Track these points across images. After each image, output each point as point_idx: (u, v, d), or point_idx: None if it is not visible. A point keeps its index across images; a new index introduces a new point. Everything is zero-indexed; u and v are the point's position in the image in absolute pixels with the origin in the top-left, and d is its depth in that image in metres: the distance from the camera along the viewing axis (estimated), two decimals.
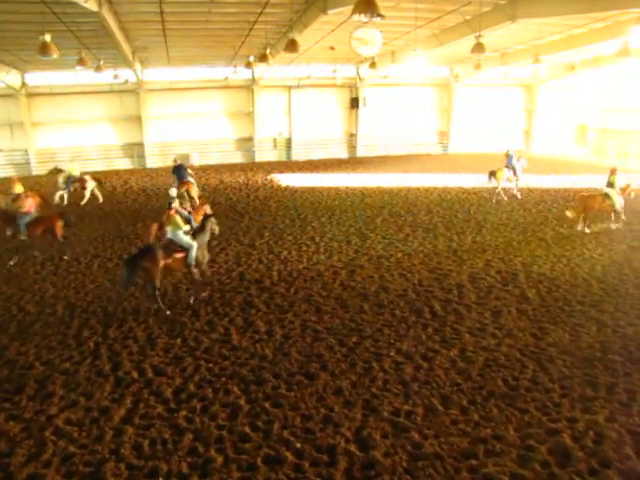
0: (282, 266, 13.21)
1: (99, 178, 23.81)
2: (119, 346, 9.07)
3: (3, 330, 9.99)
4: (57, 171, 23.88)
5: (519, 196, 21.74)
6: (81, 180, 22.74)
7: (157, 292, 10.50)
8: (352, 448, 6.19)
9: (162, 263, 10.36)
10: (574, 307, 10.31)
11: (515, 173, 21.69)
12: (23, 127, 35.06)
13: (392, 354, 8.44)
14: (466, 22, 21.43)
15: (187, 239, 10.96)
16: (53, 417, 7.03)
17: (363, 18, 12.49)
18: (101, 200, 22.94)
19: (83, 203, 22.34)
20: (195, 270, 11.20)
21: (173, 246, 10.76)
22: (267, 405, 7.09)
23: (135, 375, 8.03)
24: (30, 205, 14.78)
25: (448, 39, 23.85)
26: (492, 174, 21.01)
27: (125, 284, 10.62)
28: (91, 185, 22.84)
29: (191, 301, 11.01)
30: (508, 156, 22.02)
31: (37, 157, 35.65)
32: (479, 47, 18.63)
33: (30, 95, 34.86)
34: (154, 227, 13.08)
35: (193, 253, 10.94)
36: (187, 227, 11.15)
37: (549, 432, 6.43)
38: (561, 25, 23.76)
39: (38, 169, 35.31)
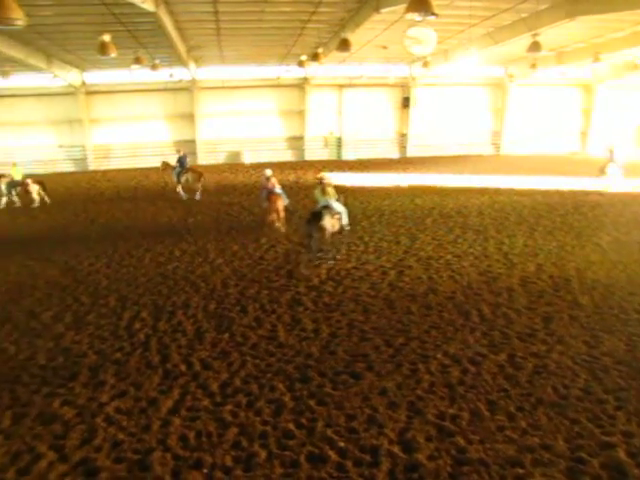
0: (331, 265, 13.22)
1: (41, 180, 23.91)
2: (168, 339, 9.28)
3: (59, 319, 10.39)
4: (166, 165, 24.89)
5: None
6: (23, 184, 23.06)
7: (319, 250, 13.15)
8: (395, 450, 6.14)
9: (331, 223, 12.86)
10: (630, 315, 9.92)
11: (617, 168, 21.86)
12: (81, 124, 36.37)
13: (439, 356, 8.33)
14: (522, 20, 20.97)
15: (340, 206, 13.53)
16: (104, 405, 7.26)
17: (417, 17, 12.38)
18: (48, 201, 23.21)
19: (34, 206, 22.76)
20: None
21: (332, 211, 13.14)
22: (312, 403, 7.11)
23: (183, 368, 8.20)
24: None
25: (503, 38, 23.39)
26: (601, 170, 21.39)
27: (314, 251, 13.19)
28: (35, 188, 23.04)
29: (333, 258, 13.41)
30: (612, 152, 21.91)
31: (94, 153, 36.85)
32: (535, 46, 18.22)
33: (89, 93, 36.11)
34: (279, 202, 16.59)
35: (345, 217, 13.56)
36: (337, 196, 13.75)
37: (602, 445, 6.17)
38: (623, 22, 22.95)
39: (95, 164, 36.54)
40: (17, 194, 23.06)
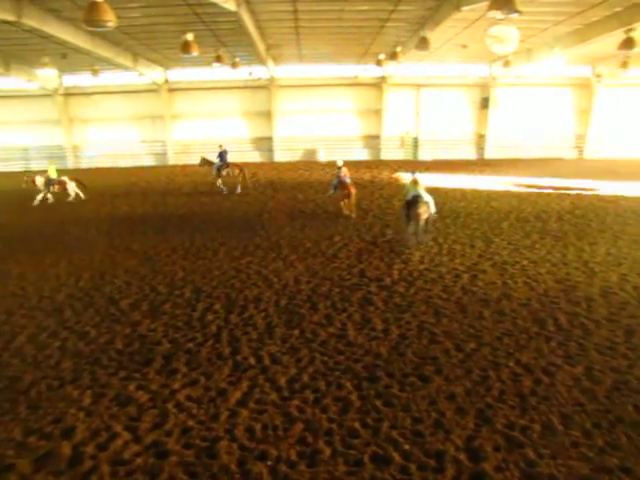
0: (403, 265, 13.11)
1: (77, 178, 24.67)
2: (239, 332, 9.48)
3: (137, 307, 10.85)
4: (205, 162, 26.37)
5: None
6: (60, 182, 23.94)
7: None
8: (461, 457, 6.01)
9: (424, 209, 14.44)
10: None
11: None
12: (163, 120, 37.81)
13: (511, 364, 8.08)
14: (615, 15, 19.92)
15: (428, 195, 14.71)
16: (175, 392, 7.51)
17: (499, 15, 12.07)
18: (83, 197, 24.07)
19: (69, 200, 23.76)
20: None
21: (423, 199, 14.56)
22: (378, 403, 7.07)
23: (252, 361, 8.35)
24: None
25: (592, 35, 22.28)
26: None
27: (411, 234, 14.98)
28: (71, 185, 23.93)
29: (421, 238, 14.91)
30: None
31: (174, 148, 38.18)
32: (629, 42, 17.24)
33: (171, 90, 37.50)
34: (352, 190, 18.57)
35: (432, 205, 14.79)
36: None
37: None
38: None
39: (174, 159, 37.85)
40: (53, 191, 24.02)
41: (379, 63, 28.46)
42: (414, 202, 14.61)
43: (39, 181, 23.47)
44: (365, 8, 20.39)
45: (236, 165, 25.33)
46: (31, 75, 33.14)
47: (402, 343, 8.83)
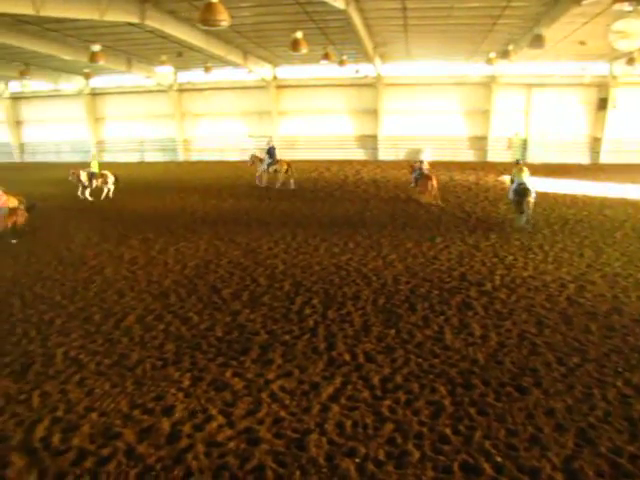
0: (505, 271, 12.66)
1: (116, 174, 24.48)
2: (336, 328, 9.56)
3: (237, 297, 11.23)
4: (255, 158, 27.32)
5: None
6: (102, 175, 23.86)
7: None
8: (558, 477, 5.70)
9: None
10: None
11: None
12: (270, 116, 38.80)
13: (618, 384, 7.55)
14: None
15: (531, 182, 16.60)
16: (270, 382, 7.71)
17: (626, 7, 11.31)
18: (111, 196, 23.97)
19: (102, 197, 23.72)
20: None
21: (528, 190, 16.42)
22: (472, 411, 6.88)
23: (347, 358, 8.40)
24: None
25: None
26: None
27: (522, 219, 16.86)
28: (111, 179, 23.93)
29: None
30: None
31: (280, 144, 39.03)
32: None
33: (279, 87, 38.40)
34: (434, 181, 20.77)
35: (533, 193, 16.61)
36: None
37: None
38: None
39: (280, 154, 38.68)
40: (97, 185, 23.96)
41: (489, 62, 27.55)
42: (524, 193, 16.39)
43: (83, 175, 23.53)
44: (476, 5, 19.82)
45: (284, 162, 26.05)
46: (149, 72, 35.17)
47: (501, 351, 8.54)
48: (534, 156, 36.14)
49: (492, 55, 26.58)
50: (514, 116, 36.50)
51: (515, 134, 36.82)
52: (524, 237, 15.73)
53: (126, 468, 5.94)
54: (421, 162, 22.20)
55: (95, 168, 24.03)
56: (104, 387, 7.66)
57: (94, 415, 6.95)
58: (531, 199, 16.56)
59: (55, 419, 6.90)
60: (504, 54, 23.05)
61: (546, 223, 17.57)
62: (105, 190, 23.92)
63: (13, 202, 17.20)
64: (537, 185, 16.79)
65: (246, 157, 32.11)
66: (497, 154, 36.82)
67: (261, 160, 26.73)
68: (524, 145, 36.88)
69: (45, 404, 7.27)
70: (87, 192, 23.65)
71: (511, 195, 17.25)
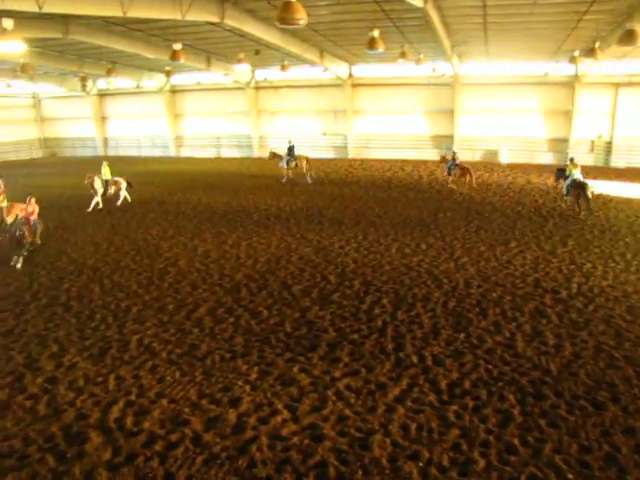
0: (583, 279, 12.12)
1: (129, 181, 23.20)
2: (404, 329, 9.47)
3: (307, 294, 11.32)
4: (274, 155, 28.82)
5: None
6: (115, 182, 22.47)
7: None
8: None
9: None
10: None
11: None
12: (345, 114, 38.88)
13: None
14: None
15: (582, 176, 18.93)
16: (336, 380, 7.73)
17: None
18: (129, 200, 22.65)
19: (118, 204, 22.19)
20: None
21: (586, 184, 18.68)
22: (542, 422, 6.64)
23: (415, 360, 8.30)
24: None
25: None
26: None
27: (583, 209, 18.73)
28: (124, 185, 22.62)
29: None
30: None
31: (354, 142, 39.08)
32: None
33: (354, 85, 38.36)
34: (471, 173, 24.34)
35: (589, 188, 18.56)
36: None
37: None
38: None
39: (353, 153, 38.72)
40: (110, 193, 22.28)
41: (573, 60, 26.41)
42: (583, 186, 18.67)
43: (97, 182, 21.50)
44: (561, 1, 19.06)
45: (303, 157, 27.80)
46: (228, 70, 36.00)
47: (575, 362, 8.20)
48: (619, 160, 34.37)
49: (576, 53, 25.46)
50: (598, 117, 34.82)
51: (598, 136, 35.13)
52: (605, 244, 15.02)
53: (193, 454, 6.12)
54: (454, 153, 25.59)
55: (107, 175, 22.35)
56: (174, 375, 7.92)
57: (164, 401, 7.21)
58: (591, 189, 18.94)
59: (129, 402, 7.21)
60: (589, 52, 21.98)
61: (629, 230, 16.69)
62: (121, 196, 22.54)
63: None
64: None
65: (320, 154, 32.47)
66: (578, 157, 35.18)
67: (280, 157, 28.35)
68: (607, 148, 35.13)
69: (120, 387, 7.61)
70: (94, 200, 21.44)
71: (566, 190, 19.72)
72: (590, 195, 18.56)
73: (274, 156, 29.09)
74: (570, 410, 6.90)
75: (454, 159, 24.96)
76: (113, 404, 7.17)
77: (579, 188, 18.84)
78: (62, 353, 8.71)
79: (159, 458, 6.07)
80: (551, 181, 24.56)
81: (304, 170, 27.56)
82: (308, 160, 27.88)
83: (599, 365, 8.11)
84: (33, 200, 14.83)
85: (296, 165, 27.51)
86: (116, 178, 22.61)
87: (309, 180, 27.10)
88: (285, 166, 27.49)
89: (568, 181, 19.52)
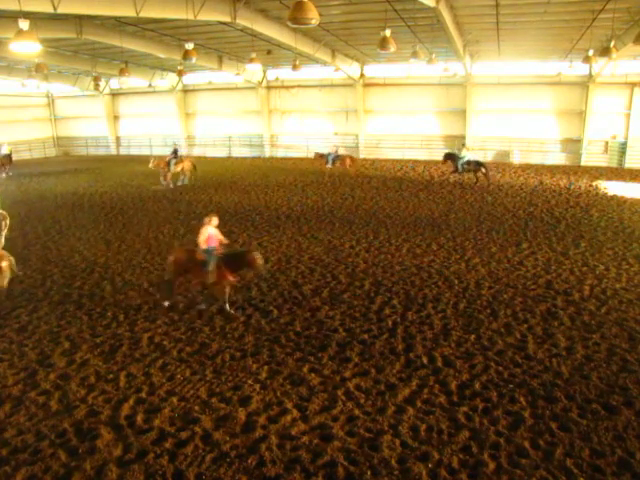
0: (596, 281, 12.02)
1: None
2: (415, 330, 9.45)
3: (317, 293, 11.33)
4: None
5: None
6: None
7: None
8: None
9: None
10: None
11: None
12: (357, 114, 38.85)
13: None
14: None
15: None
16: (346, 380, 7.74)
17: None
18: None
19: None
20: None
21: None
22: (553, 426, 6.60)
23: (425, 361, 8.29)
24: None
25: None
26: None
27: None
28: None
29: None
30: None
31: (365, 142, 39.05)
32: None
33: (366, 85, 38.33)
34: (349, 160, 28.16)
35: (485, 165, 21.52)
36: None
37: None
38: None
39: (365, 153, 38.68)
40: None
41: (587, 60, 26.12)
42: (480, 165, 23.72)
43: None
44: None
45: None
46: (239, 69, 36.07)
47: (587, 365, 8.14)
48: (634, 161, 34.03)
49: (590, 53, 25.21)
50: (612, 118, 34.50)
51: (612, 137, 34.82)
52: (618, 246, 14.88)
53: (202, 452, 6.15)
54: (337, 147, 29.75)
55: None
56: (185, 373, 7.96)
57: (175, 399, 7.25)
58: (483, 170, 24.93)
59: (139, 399, 7.26)
60: (604, 51, 21.70)
61: None
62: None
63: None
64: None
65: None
66: (592, 158, 34.98)
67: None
68: (622, 149, 34.80)
69: (131, 385, 7.66)
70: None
71: (461, 168, 25.44)
72: (485, 170, 25.16)
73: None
74: (582, 413, 6.86)
75: (336, 152, 29.02)
76: (124, 401, 7.22)
77: (478, 165, 25.44)
78: (74, 350, 8.79)
79: (169, 455, 6.11)
80: (555, 181, 24.34)
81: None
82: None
83: (612, 368, 8.05)
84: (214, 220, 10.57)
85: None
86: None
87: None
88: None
89: (463, 161, 25.60)
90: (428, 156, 36.76)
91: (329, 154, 29.34)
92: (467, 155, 26.16)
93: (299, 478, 5.75)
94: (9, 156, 32.94)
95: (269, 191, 24.48)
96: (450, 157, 26.63)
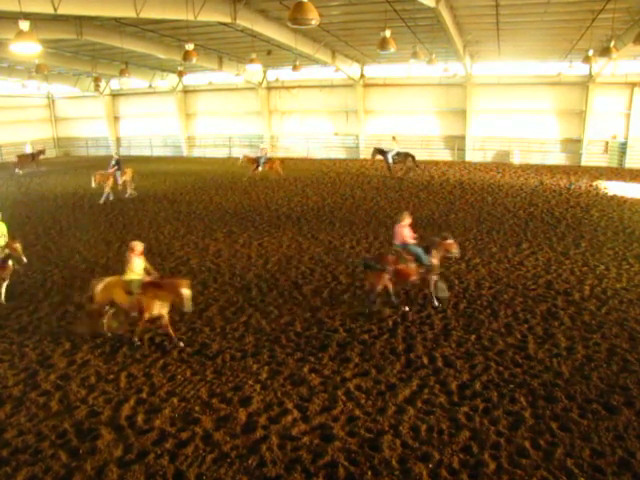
0: (596, 281, 12.02)
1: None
2: (415, 330, 9.46)
3: (318, 293, 11.33)
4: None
5: None
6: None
7: None
8: None
9: None
10: None
11: None
12: (357, 114, 38.82)
13: None
14: None
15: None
16: (346, 380, 7.75)
17: None
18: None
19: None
20: None
21: None
22: (554, 425, 6.60)
23: (425, 361, 8.30)
24: None
25: None
26: None
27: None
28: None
29: None
30: None
31: (366, 142, 39.04)
32: None
33: (366, 85, 38.34)
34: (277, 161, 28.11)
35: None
36: None
37: None
38: None
39: (365, 153, 38.67)
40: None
41: (587, 60, 26.09)
42: (409, 156, 25.57)
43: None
44: None
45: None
46: (239, 70, 36.07)
47: (587, 365, 8.15)
48: (634, 161, 34.02)
49: (590, 53, 25.19)
50: (612, 118, 34.49)
51: (612, 137, 34.82)
52: (619, 245, 14.88)
53: (203, 453, 6.15)
54: (266, 150, 29.51)
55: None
56: (185, 374, 7.96)
57: (175, 400, 7.26)
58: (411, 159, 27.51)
59: (140, 400, 7.27)
60: (604, 51, 21.66)
61: None
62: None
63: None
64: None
65: (331, 154, 32.50)
66: (592, 158, 34.98)
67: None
68: (622, 149, 34.78)
69: (131, 385, 7.67)
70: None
71: (392, 159, 27.84)
72: (413, 159, 27.83)
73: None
74: (582, 414, 6.86)
75: (266, 155, 28.65)
76: (124, 402, 7.23)
77: (407, 156, 28.12)
78: (74, 351, 8.80)
79: (169, 456, 6.11)
80: (555, 181, 24.33)
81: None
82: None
83: (612, 368, 8.05)
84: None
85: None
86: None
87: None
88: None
89: (392, 153, 28.09)
90: (428, 156, 36.73)
91: (260, 157, 28.54)
92: (396, 147, 28.60)
93: (300, 478, 5.75)
94: (33, 154, 34.68)
95: (269, 191, 24.47)
96: (379, 151, 28.80)
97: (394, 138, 29.76)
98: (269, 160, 28.75)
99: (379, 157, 29.28)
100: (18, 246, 11.29)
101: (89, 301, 9.19)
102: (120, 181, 23.77)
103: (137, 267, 9.26)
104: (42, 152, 35.88)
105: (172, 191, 24.88)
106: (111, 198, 23.05)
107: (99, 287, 9.02)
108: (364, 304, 10.47)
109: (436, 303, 10.58)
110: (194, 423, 6.74)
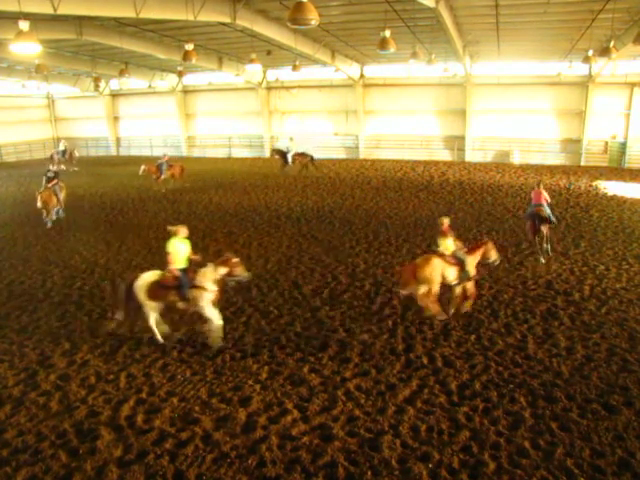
0: (596, 281, 12.02)
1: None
2: (415, 330, 9.46)
3: (318, 293, 11.34)
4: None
5: None
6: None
7: None
8: None
9: None
10: None
11: None
12: (356, 115, 38.83)
13: None
14: None
15: None
16: (346, 380, 7.75)
17: None
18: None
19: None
20: None
21: None
22: (554, 425, 6.61)
23: (425, 361, 8.30)
24: None
25: None
26: None
27: None
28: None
29: None
30: None
31: (365, 142, 39.06)
32: None
33: (366, 86, 38.34)
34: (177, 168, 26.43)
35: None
36: None
37: None
38: None
39: (365, 153, 38.71)
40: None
41: (587, 60, 26.11)
42: (308, 156, 26.70)
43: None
44: None
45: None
46: (239, 70, 36.08)
47: (587, 365, 8.15)
48: (634, 161, 34.01)
49: (590, 53, 25.19)
50: (612, 118, 34.49)
51: (612, 137, 34.82)
52: (618, 246, 14.88)
53: (203, 453, 6.15)
54: (165, 155, 27.60)
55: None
56: (185, 374, 7.97)
57: (175, 400, 7.26)
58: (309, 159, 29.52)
59: (139, 400, 7.28)
60: (604, 51, 21.65)
61: None
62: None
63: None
64: None
65: (331, 155, 32.56)
66: (592, 158, 34.97)
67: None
68: (622, 149, 34.78)
69: (131, 385, 7.67)
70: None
71: (292, 159, 29.38)
72: (311, 158, 29.47)
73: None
74: (582, 413, 6.86)
75: (168, 162, 26.42)
76: (124, 402, 7.23)
77: (307, 156, 29.93)
78: (74, 351, 8.80)
79: (169, 456, 6.11)
80: (554, 181, 24.31)
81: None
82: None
83: (612, 368, 8.05)
84: None
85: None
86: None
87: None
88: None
89: (292, 153, 29.74)
90: (428, 156, 36.77)
91: (161, 164, 26.18)
92: (294, 148, 30.64)
93: (299, 478, 5.76)
94: (65, 152, 35.03)
95: (269, 192, 24.48)
96: (278, 152, 30.60)
97: (292, 139, 31.98)
98: (170, 167, 26.62)
99: (277, 157, 30.89)
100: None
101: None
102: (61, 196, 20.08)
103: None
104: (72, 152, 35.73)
105: (172, 191, 24.88)
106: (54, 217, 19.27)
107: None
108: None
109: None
110: (194, 423, 6.74)
